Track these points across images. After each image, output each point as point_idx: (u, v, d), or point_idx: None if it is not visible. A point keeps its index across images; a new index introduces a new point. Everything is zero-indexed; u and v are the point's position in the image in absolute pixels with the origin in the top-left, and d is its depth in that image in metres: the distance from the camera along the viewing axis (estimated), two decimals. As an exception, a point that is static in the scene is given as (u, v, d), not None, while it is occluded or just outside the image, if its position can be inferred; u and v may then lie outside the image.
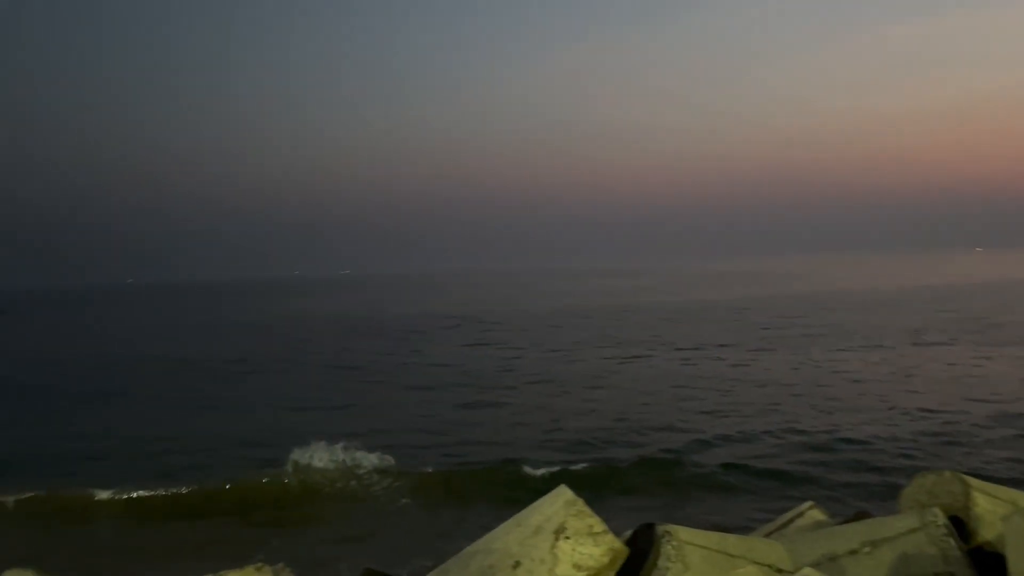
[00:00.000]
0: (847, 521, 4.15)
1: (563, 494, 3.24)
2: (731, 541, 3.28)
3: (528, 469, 12.18)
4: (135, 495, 11.69)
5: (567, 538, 3.07)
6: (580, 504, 3.19)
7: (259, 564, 3.42)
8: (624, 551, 3.16)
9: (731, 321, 41.03)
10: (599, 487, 11.18)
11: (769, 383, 20.51)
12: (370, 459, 12.90)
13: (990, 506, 3.52)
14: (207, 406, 20.75)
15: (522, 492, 10.77)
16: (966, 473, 3.78)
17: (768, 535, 4.13)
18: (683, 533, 3.16)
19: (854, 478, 11.68)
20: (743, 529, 5.63)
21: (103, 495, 11.65)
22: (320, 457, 12.89)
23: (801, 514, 4.47)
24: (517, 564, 3.08)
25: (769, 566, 3.16)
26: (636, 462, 13.00)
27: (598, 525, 3.11)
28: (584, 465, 12.50)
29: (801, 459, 12.86)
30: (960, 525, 3.48)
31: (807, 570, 2.91)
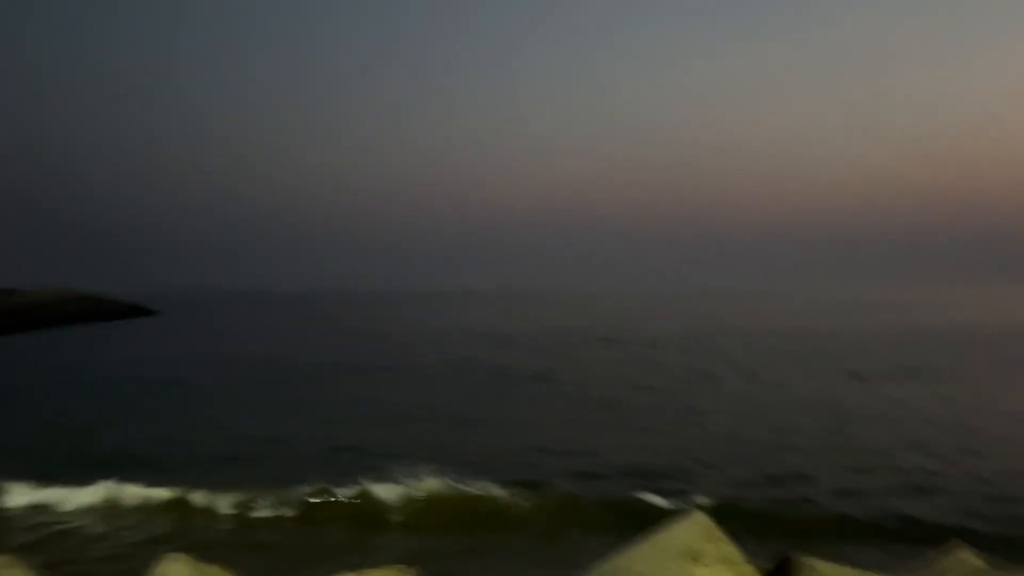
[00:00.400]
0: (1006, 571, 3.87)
1: (699, 519, 3.20)
2: (876, 580, 3.13)
3: (651, 496, 11.95)
4: (260, 498, 12.14)
5: (703, 565, 3.03)
6: (717, 531, 3.13)
7: (399, 566, 3.54)
8: (762, 582, 3.08)
9: (875, 350, 39.00)
10: (725, 518, 10.83)
11: (920, 418, 19.35)
12: (488, 473, 13.06)
13: None
14: (338, 410, 21.65)
15: (644, 520, 10.63)
16: None
17: (915, 578, 3.91)
18: (824, 567, 3.05)
19: (1010, 528, 10.80)
20: (881, 571, 5.33)
21: (229, 497, 12.19)
22: (439, 469, 13.15)
23: (952, 557, 4.20)
24: (650, 586, 3.06)
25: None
26: (763, 495, 12.57)
27: (736, 554, 3.05)
28: (709, 497, 12.11)
29: (947, 503, 12.04)
30: None
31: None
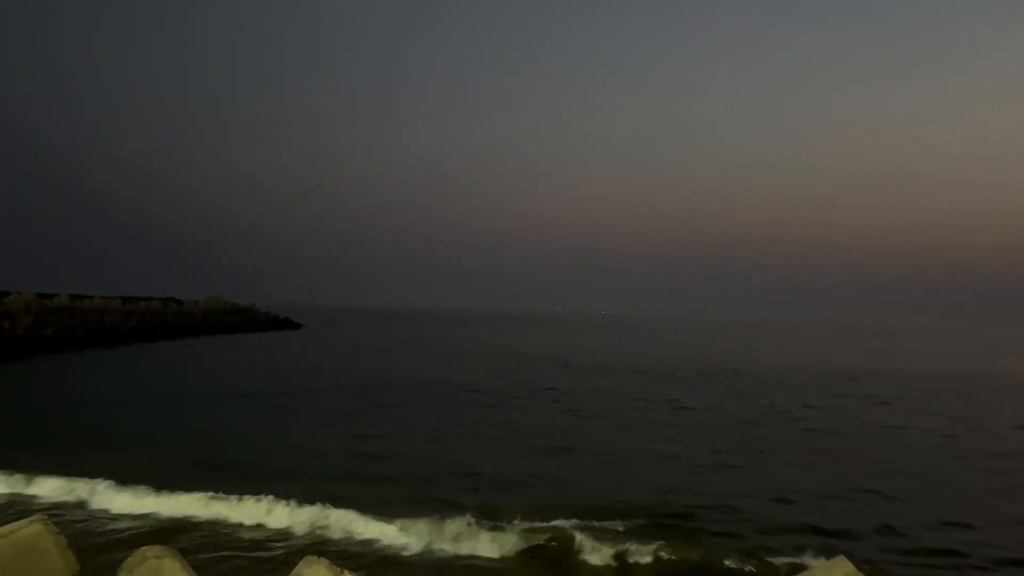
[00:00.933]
0: None
1: (842, 565, 2.99)
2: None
3: (770, 557, 11.12)
4: (377, 517, 12.34)
5: (846, 613, 2.83)
6: (862, 579, 2.93)
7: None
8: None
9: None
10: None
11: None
12: (616, 512, 12.82)
13: None
14: (468, 434, 21.73)
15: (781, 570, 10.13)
16: None
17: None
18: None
19: None
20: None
21: (349, 511, 12.47)
22: (566, 504, 13.12)
23: None
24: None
25: None
26: (903, 547, 11.73)
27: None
28: (852, 554, 11.17)
29: None
30: None
31: None
